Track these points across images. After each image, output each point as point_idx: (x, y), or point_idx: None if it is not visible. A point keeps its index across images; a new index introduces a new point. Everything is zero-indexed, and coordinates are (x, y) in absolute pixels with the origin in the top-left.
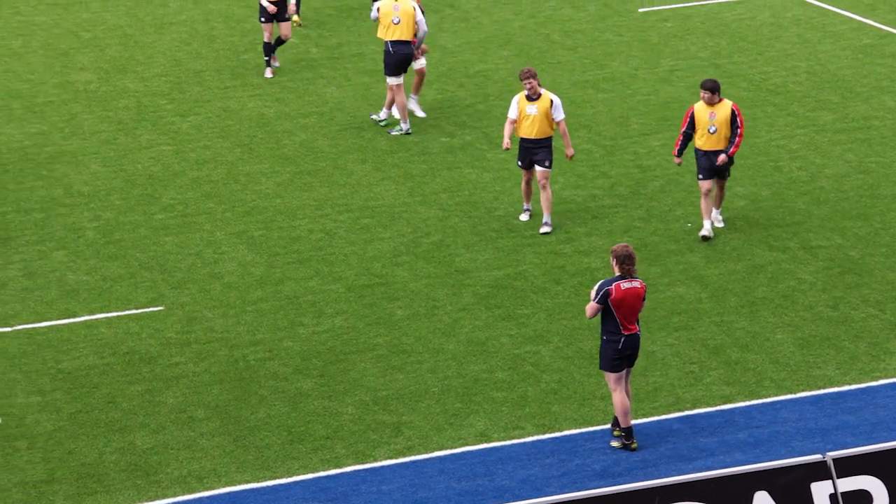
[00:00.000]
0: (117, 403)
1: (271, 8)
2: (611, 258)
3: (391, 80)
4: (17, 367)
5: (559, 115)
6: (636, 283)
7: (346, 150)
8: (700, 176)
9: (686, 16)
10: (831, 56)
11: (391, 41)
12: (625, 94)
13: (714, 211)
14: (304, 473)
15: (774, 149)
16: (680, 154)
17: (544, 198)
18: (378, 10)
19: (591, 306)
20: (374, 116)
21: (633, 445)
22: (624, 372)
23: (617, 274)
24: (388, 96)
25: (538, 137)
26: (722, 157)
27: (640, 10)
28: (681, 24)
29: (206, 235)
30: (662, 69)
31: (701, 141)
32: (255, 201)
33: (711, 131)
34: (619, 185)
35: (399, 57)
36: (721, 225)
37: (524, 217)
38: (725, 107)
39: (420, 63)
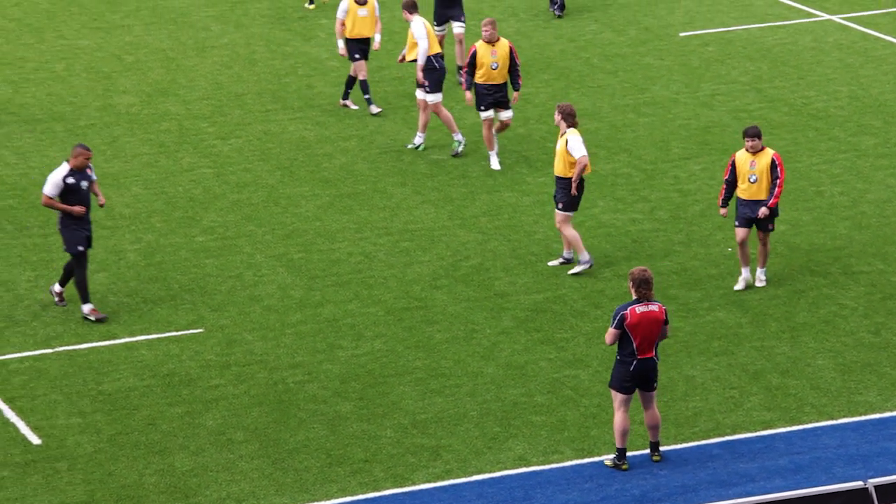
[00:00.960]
0: (157, 425)
1: (343, 52)
2: (628, 282)
3: (435, 98)
4: (58, 389)
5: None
6: (653, 307)
7: (385, 174)
8: (736, 223)
9: (727, 40)
10: (873, 80)
11: (434, 55)
12: (665, 118)
13: (758, 270)
14: (342, 496)
15: (816, 173)
16: (724, 204)
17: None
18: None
19: (610, 332)
20: (410, 146)
21: (624, 466)
22: (631, 395)
23: (634, 298)
24: (423, 118)
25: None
26: (763, 211)
27: (681, 35)
28: (722, 49)
29: (246, 258)
30: (703, 93)
31: (741, 189)
32: (295, 224)
33: (752, 180)
34: (659, 210)
35: (444, 72)
36: (762, 284)
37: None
38: (766, 155)
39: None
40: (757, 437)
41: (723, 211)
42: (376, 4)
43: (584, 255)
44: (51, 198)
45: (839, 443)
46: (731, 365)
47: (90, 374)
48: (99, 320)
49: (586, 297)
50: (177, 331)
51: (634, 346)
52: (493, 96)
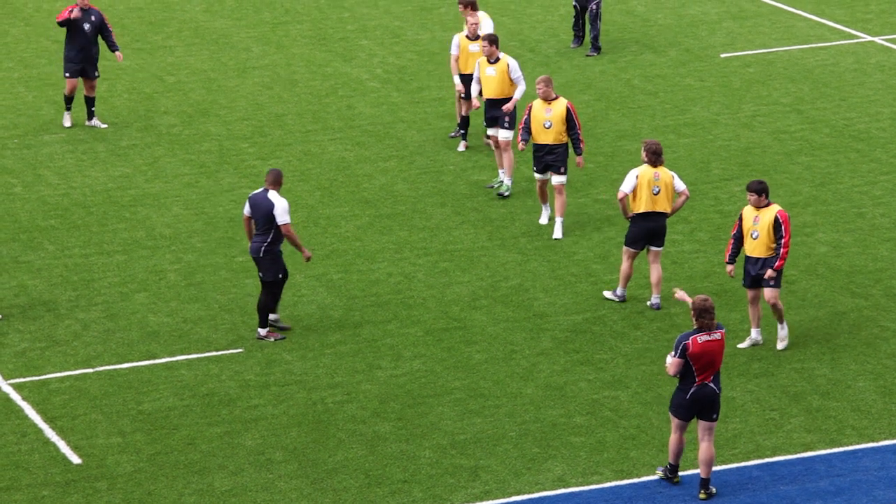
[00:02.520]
0: (196, 445)
1: (461, 88)
2: (690, 310)
3: (509, 135)
4: (99, 408)
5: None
6: (716, 335)
7: (425, 194)
8: (742, 282)
9: (768, 61)
10: None
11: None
12: (706, 139)
13: (778, 326)
14: None
15: (857, 195)
16: (731, 260)
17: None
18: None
19: (673, 363)
20: (492, 185)
21: (676, 480)
22: (688, 422)
23: (695, 326)
24: (505, 159)
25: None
26: (769, 273)
27: (722, 56)
28: (763, 70)
29: None
30: (744, 114)
31: (746, 246)
32: (334, 244)
33: (753, 237)
34: (699, 231)
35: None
36: (783, 345)
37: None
38: (770, 212)
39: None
40: (797, 459)
41: (729, 268)
42: (513, 65)
43: (620, 290)
44: (291, 225)
45: (880, 465)
46: (772, 386)
47: (130, 394)
48: (278, 338)
49: (626, 318)
50: (216, 350)
51: (694, 372)
52: (544, 159)
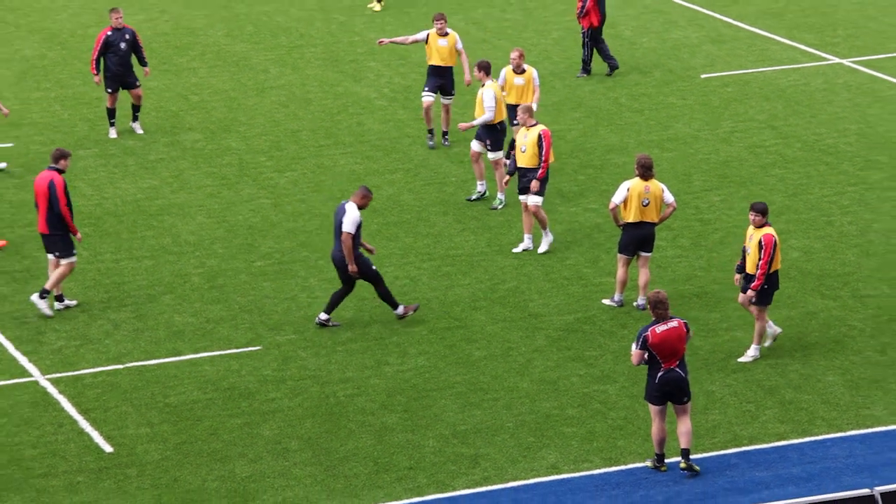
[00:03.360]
0: (218, 435)
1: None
2: (648, 304)
3: (496, 156)
4: (129, 401)
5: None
6: (673, 324)
7: (429, 204)
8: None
9: (745, 81)
10: (880, 119)
11: (500, 121)
12: (687, 153)
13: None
14: (388, 501)
15: (827, 204)
16: (738, 271)
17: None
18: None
19: (635, 353)
20: (499, 198)
21: (663, 468)
22: (665, 406)
23: (653, 318)
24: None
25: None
26: (749, 293)
27: (702, 76)
28: (740, 90)
29: (300, 281)
30: (723, 130)
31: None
32: None
33: (747, 252)
34: (681, 237)
35: (504, 133)
36: (748, 359)
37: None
38: (760, 233)
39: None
40: (771, 447)
41: (736, 277)
42: (534, 74)
43: (618, 296)
44: (353, 234)
45: (848, 454)
46: (748, 381)
47: (158, 388)
48: (409, 312)
49: (614, 317)
50: (237, 348)
51: (659, 359)
52: (521, 181)
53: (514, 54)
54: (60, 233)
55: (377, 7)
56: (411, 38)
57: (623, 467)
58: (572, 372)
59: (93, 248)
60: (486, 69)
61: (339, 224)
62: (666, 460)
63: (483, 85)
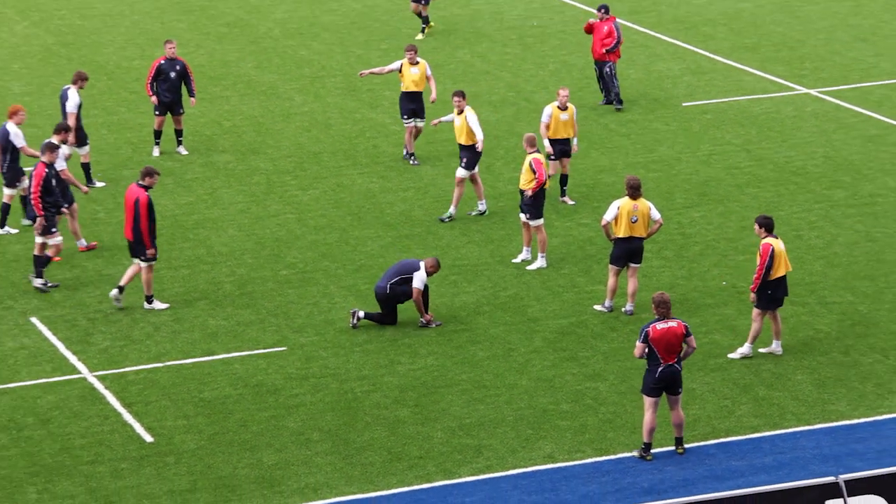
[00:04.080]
0: (248, 427)
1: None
2: (651, 304)
3: (470, 172)
4: (167, 396)
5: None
6: (672, 323)
7: (437, 219)
8: None
9: (722, 109)
10: (844, 144)
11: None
12: (670, 173)
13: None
14: (401, 487)
15: (795, 220)
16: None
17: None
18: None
19: (637, 346)
20: (452, 211)
21: (649, 458)
22: (659, 398)
23: (655, 316)
24: (480, 189)
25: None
26: (751, 296)
27: (684, 104)
28: (718, 116)
29: (322, 289)
30: (702, 153)
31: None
32: (362, 260)
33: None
34: (665, 250)
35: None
36: (736, 355)
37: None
38: (760, 243)
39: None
40: (746, 439)
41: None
42: (575, 111)
43: (608, 302)
44: (421, 290)
45: (815, 445)
46: (725, 379)
47: (193, 384)
48: (438, 323)
49: (604, 322)
50: (264, 348)
51: (658, 355)
52: (521, 200)
53: (563, 92)
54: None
55: (420, 36)
56: (387, 67)
57: (612, 457)
58: (566, 371)
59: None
60: (463, 95)
61: (400, 272)
62: (652, 450)
63: (461, 111)
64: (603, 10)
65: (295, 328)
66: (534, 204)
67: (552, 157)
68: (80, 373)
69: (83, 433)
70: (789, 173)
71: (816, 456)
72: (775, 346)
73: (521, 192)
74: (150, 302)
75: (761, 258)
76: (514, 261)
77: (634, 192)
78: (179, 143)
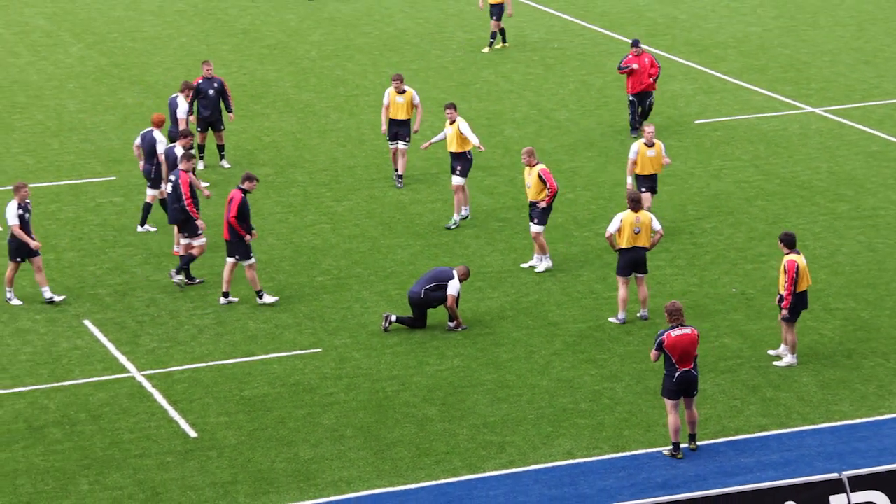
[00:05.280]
0: (285, 423)
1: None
2: (665, 312)
3: (464, 181)
4: (210, 394)
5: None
6: (686, 330)
7: (464, 228)
8: None
9: (732, 126)
10: (847, 159)
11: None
12: (683, 186)
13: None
14: (428, 481)
15: (801, 231)
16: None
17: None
18: None
19: (652, 353)
20: (457, 217)
21: (679, 456)
22: (679, 400)
23: (669, 324)
24: (461, 197)
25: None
26: (783, 313)
27: (696, 122)
28: (728, 133)
29: (355, 294)
30: (713, 168)
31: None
32: (393, 268)
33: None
34: (678, 258)
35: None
36: (781, 363)
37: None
38: (784, 259)
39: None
40: (754, 437)
41: (777, 297)
42: (662, 146)
43: (621, 315)
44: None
45: (819, 443)
46: (734, 381)
47: (235, 383)
48: (464, 328)
49: (621, 326)
50: (301, 350)
51: (674, 362)
52: (530, 211)
53: (649, 129)
54: (238, 239)
55: (486, 50)
56: (384, 104)
57: (628, 453)
58: (585, 372)
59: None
60: (455, 107)
61: (435, 279)
62: (659, 449)
63: (453, 121)
64: (636, 45)
65: (330, 331)
66: (545, 212)
67: (641, 191)
68: (128, 372)
69: (131, 428)
70: (795, 187)
71: (821, 454)
72: (783, 351)
73: (532, 203)
74: (260, 297)
75: (788, 275)
76: (522, 265)
77: (636, 204)
78: (222, 157)
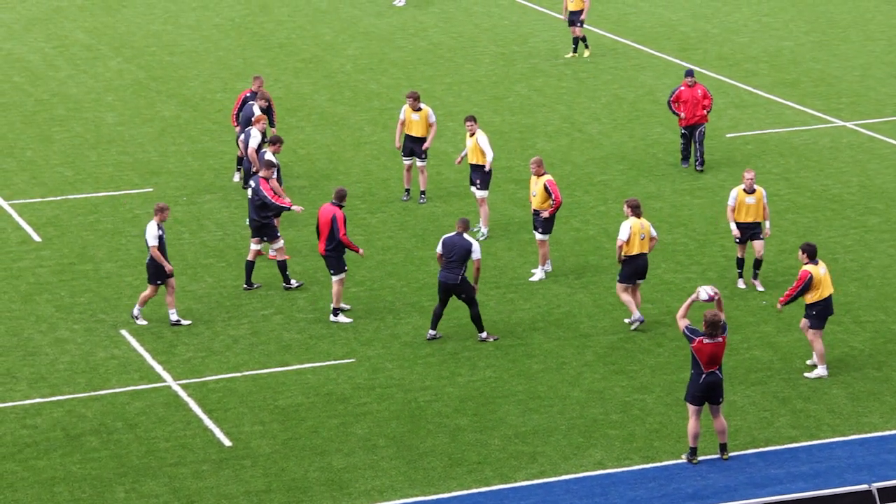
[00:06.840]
0: (319, 433)
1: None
2: (703, 320)
3: (486, 193)
4: (245, 404)
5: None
6: (718, 340)
7: (495, 240)
8: None
9: (763, 140)
10: (877, 173)
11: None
12: (714, 199)
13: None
14: (460, 490)
15: (832, 244)
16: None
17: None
18: None
19: (682, 323)
20: (480, 228)
21: (695, 461)
22: (702, 406)
23: (703, 331)
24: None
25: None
26: (803, 321)
27: (727, 136)
28: (759, 147)
29: (388, 305)
30: None
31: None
32: (425, 279)
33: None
34: (709, 271)
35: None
36: (812, 374)
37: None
38: (801, 269)
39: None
40: (784, 449)
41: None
42: (764, 193)
43: (636, 314)
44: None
45: (849, 455)
46: (765, 392)
47: (269, 393)
48: (489, 339)
49: (651, 338)
50: (335, 360)
51: (701, 364)
52: (534, 220)
53: (748, 175)
54: (335, 254)
55: (568, 55)
56: (399, 120)
57: (658, 464)
58: (616, 383)
59: (216, 276)
60: (475, 120)
61: (461, 258)
62: (698, 456)
63: (473, 134)
64: (691, 75)
65: (363, 341)
66: (548, 222)
67: (738, 241)
68: (164, 381)
69: (167, 437)
70: (826, 200)
71: (850, 465)
72: (821, 371)
73: (536, 212)
74: (335, 315)
75: (797, 282)
76: (531, 279)
77: (637, 210)
78: (239, 168)
